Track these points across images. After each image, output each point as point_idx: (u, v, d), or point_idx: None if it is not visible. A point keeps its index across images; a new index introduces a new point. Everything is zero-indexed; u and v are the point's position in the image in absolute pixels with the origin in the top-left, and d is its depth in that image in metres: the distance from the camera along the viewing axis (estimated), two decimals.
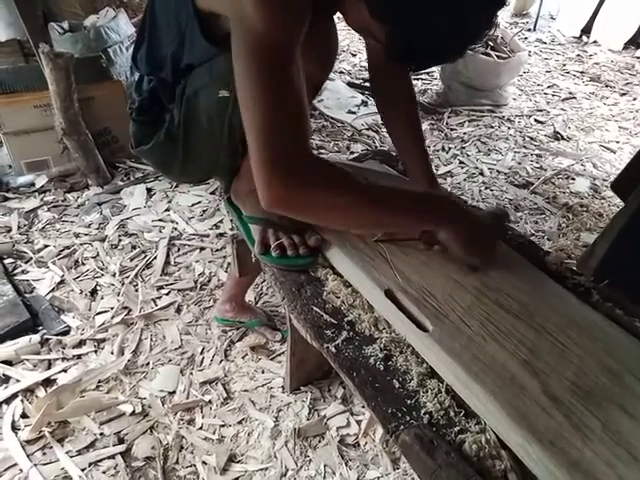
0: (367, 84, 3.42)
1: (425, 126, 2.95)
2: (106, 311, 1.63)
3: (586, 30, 4.57)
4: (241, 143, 1.01)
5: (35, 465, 1.20)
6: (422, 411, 0.78)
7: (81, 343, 1.52)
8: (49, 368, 1.44)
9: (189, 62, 0.96)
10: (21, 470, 1.19)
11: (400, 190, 0.95)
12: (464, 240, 0.93)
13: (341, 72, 3.64)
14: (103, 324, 1.58)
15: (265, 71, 0.73)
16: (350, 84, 3.38)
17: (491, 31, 0.78)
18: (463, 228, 0.93)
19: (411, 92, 1.23)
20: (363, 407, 1.34)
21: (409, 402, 0.79)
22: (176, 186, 2.27)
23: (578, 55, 4.26)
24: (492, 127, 2.99)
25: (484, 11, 0.75)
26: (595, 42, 4.49)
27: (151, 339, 1.56)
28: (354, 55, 3.96)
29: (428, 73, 3.69)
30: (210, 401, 1.38)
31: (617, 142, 2.90)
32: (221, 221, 2.08)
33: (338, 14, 0.94)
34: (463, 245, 0.93)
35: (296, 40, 0.75)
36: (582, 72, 3.89)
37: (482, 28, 0.77)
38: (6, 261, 1.79)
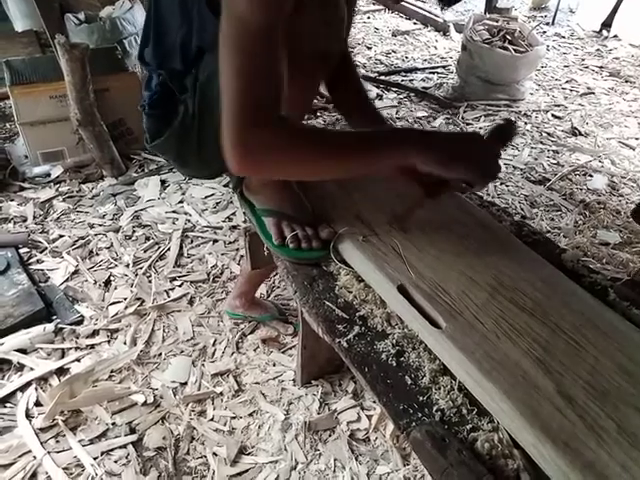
0: (382, 77, 3.39)
1: (440, 120, 2.92)
2: (119, 301, 1.65)
3: (606, 24, 4.47)
4: None
5: (48, 453, 1.22)
6: (434, 408, 0.77)
7: (94, 333, 1.54)
8: (62, 357, 1.45)
9: (199, 44, 0.95)
10: (35, 457, 1.21)
11: (363, 132, 0.94)
12: (439, 157, 0.86)
13: (356, 65, 3.61)
14: (116, 314, 1.59)
15: (244, 46, 0.76)
16: (365, 77, 3.36)
17: None
18: (436, 145, 0.87)
19: (356, 73, 1.34)
20: (374, 402, 1.34)
21: (421, 399, 0.79)
22: (190, 178, 2.27)
23: (597, 50, 4.19)
24: None
25: None
26: (615, 36, 4.40)
27: (163, 330, 1.56)
28: (369, 48, 3.92)
29: (444, 67, 3.65)
30: (221, 393, 1.38)
31: (636, 139, 2.85)
32: (234, 213, 2.08)
33: None
34: (442, 163, 0.86)
35: (278, 16, 0.76)
36: (601, 67, 3.82)
37: None
38: (21, 250, 1.81)
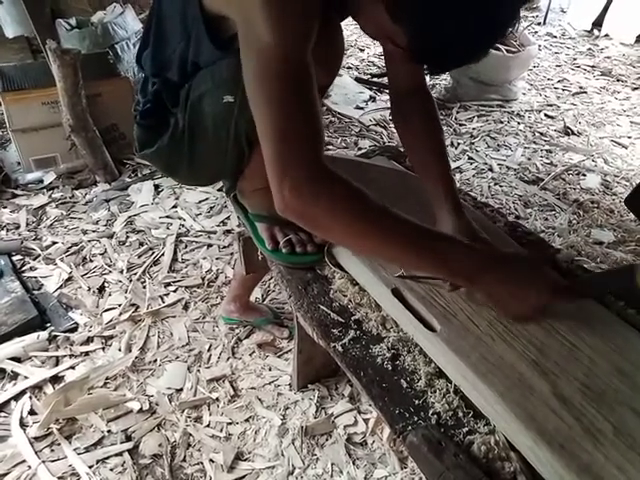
0: (375, 79, 3.40)
1: None
2: (114, 308, 1.64)
3: (597, 23, 4.50)
4: (247, 146, 1.00)
5: (43, 462, 1.20)
6: (430, 411, 0.77)
7: (89, 340, 1.53)
8: (57, 365, 1.44)
9: (195, 61, 0.95)
10: (29, 467, 1.20)
11: (435, 232, 0.84)
12: (504, 304, 0.85)
13: (349, 67, 3.61)
14: (111, 321, 1.58)
15: (276, 80, 0.71)
16: (358, 79, 3.36)
17: (517, 23, 0.75)
18: (504, 290, 0.83)
19: (433, 113, 1.17)
20: (370, 406, 1.33)
21: (417, 402, 0.79)
22: None
23: (589, 49, 4.21)
24: (501, 122, 2.96)
25: (509, 3, 0.73)
26: (607, 35, 4.43)
27: (158, 336, 1.56)
28: (362, 50, 3.93)
29: None
30: (217, 399, 1.37)
31: (629, 137, 2.86)
32: (228, 218, 2.07)
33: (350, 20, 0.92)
34: (503, 308, 0.86)
35: (306, 47, 0.73)
36: (593, 66, 3.84)
37: (508, 21, 0.74)
38: (15, 258, 1.80)
